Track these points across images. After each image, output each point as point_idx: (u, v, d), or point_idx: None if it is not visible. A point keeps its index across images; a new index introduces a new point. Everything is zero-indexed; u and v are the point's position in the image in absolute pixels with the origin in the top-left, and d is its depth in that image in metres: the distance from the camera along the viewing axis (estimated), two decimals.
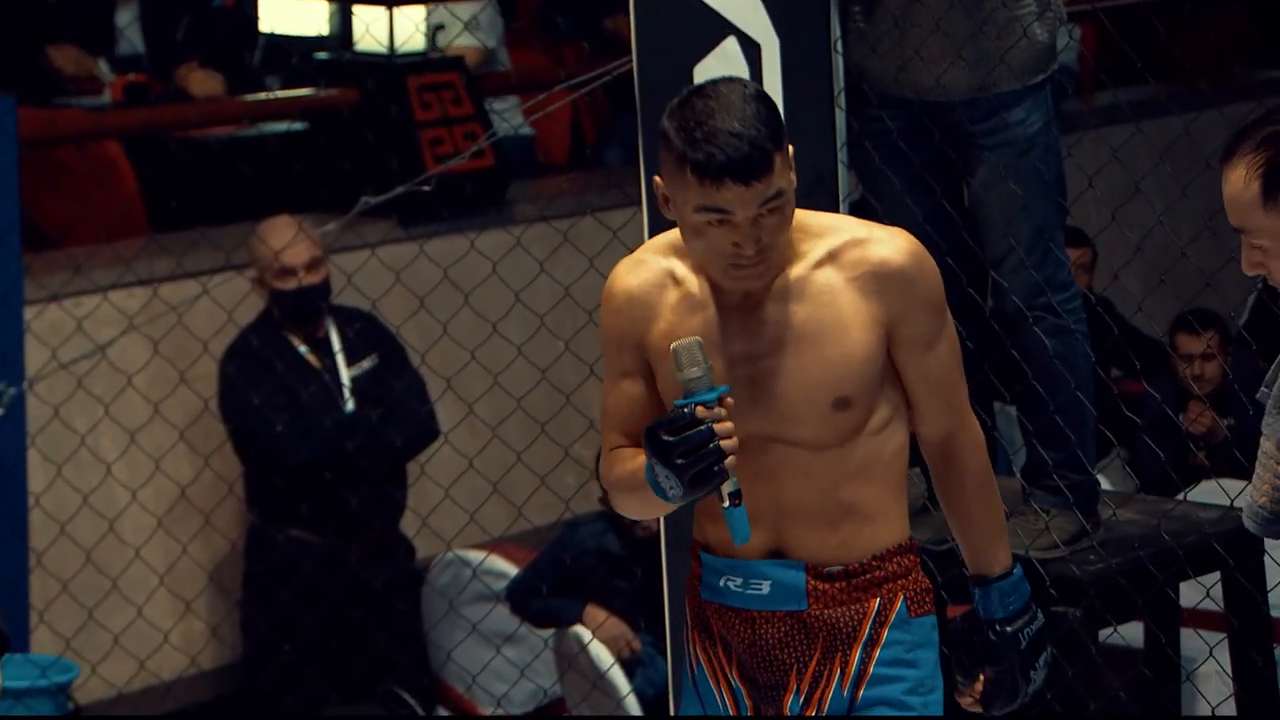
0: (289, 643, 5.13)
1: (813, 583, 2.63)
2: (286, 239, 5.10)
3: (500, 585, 5.21)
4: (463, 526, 5.07)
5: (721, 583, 2.67)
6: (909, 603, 2.66)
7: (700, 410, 2.50)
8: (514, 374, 5.21)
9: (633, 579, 5.00)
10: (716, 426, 2.49)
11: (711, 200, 2.51)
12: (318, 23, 6.64)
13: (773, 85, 3.53)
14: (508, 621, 5.15)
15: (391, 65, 6.29)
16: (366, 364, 5.23)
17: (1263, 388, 2.55)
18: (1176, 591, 3.68)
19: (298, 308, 5.16)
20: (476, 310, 5.10)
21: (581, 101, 6.86)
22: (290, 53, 6.48)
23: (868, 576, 2.64)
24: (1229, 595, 3.66)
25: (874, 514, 2.65)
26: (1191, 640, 3.89)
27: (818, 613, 2.64)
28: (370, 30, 6.21)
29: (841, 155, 3.53)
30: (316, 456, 5.08)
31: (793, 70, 3.52)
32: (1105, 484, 4.76)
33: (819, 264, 2.60)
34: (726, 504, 2.53)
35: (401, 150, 5.98)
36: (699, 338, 2.54)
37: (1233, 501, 3.68)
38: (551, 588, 5.07)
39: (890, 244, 2.61)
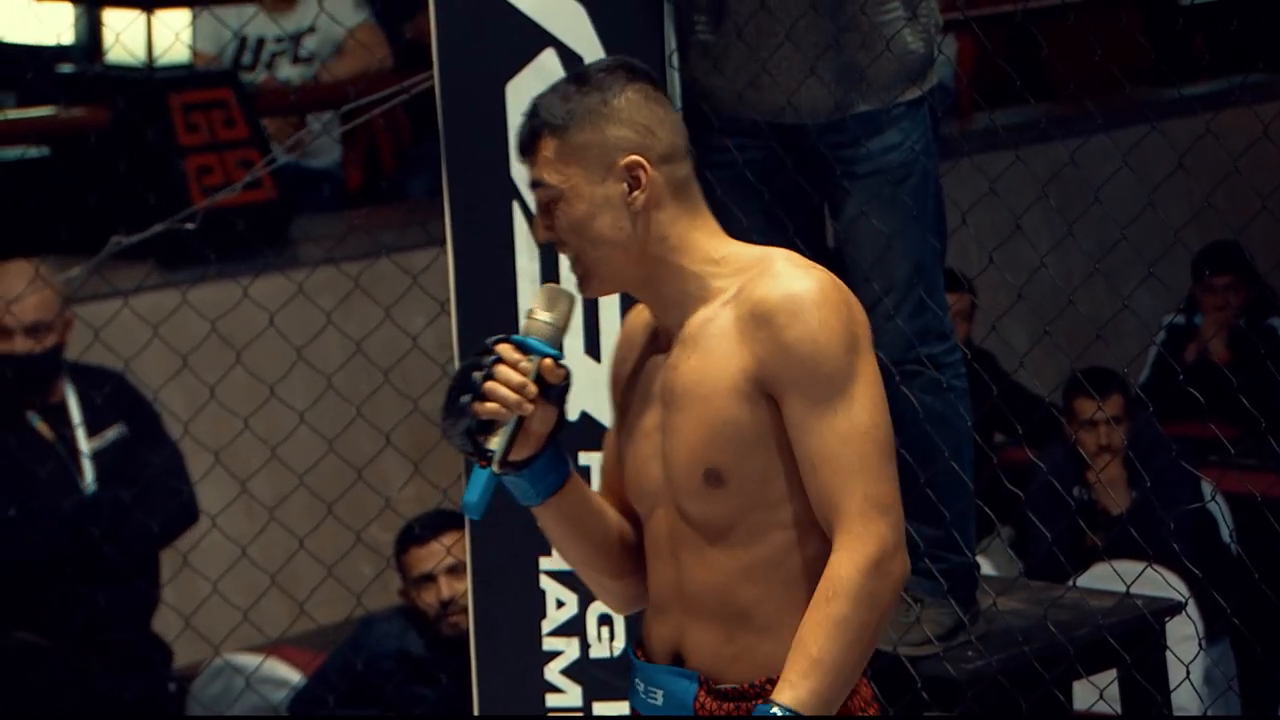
0: None
1: (704, 699, 2.63)
2: (16, 290, 4.97)
3: (280, 695, 5.14)
4: (235, 626, 5.00)
5: (635, 683, 2.71)
6: None
7: (504, 349, 2.59)
8: (296, 445, 5.16)
9: (437, 686, 4.96)
10: (503, 371, 2.56)
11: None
12: (60, 30, 6.57)
13: None
14: None
15: (149, 80, 6.24)
16: (111, 434, 5.12)
17: None
18: (1068, 692, 3.72)
19: (21, 377, 5.03)
20: (251, 370, 5.05)
21: (378, 123, 6.84)
22: (27, 65, 6.39)
23: (762, 700, 2.59)
24: (1126, 696, 3.70)
25: (774, 627, 2.61)
26: None
27: None
28: (123, 39, 6.15)
29: None
30: (47, 548, 4.96)
31: None
32: (986, 567, 4.82)
33: (726, 302, 2.62)
34: (475, 458, 2.58)
35: (161, 180, 5.91)
36: (569, 290, 2.63)
37: (1129, 588, 3.74)
38: (341, 697, 5.02)
39: (779, 282, 2.58)
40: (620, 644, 3.59)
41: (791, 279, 2.57)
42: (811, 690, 2.52)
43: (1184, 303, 7.02)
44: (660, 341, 2.67)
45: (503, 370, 2.56)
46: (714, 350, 2.59)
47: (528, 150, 2.64)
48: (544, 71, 3.55)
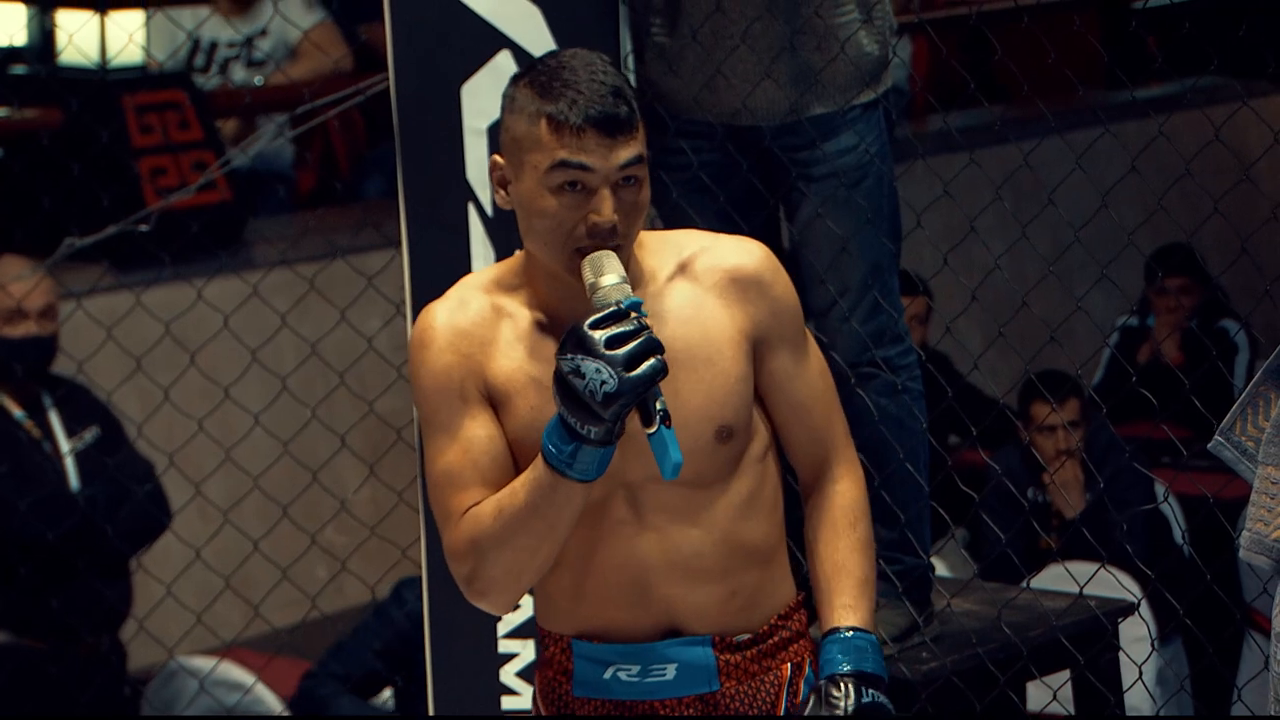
0: None
1: (723, 657, 2.67)
2: (15, 280, 5.00)
3: (234, 698, 5.13)
4: (189, 629, 4.99)
5: (608, 674, 2.68)
6: (812, 665, 2.72)
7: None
8: (251, 447, 5.14)
9: None
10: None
11: (573, 154, 2.57)
12: (11, 31, 6.54)
13: None
14: None
15: (102, 82, 6.21)
16: (89, 436, 5.14)
17: (1225, 428, 2.60)
18: (1021, 693, 3.73)
19: (24, 360, 5.05)
20: (205, 372, 5.04)
21: (333, 125, 6.83)
22: None
23: (775, 639, 2.70)
24: (1079, 697, 3.71)
25: (769, 559, 2.70)
26: None
27: (731, 690, 2.68)
28: (76, 40, 6.13)
29: None
30: (60, 539, 4.96)
31: None
32: (940, 569, 4.82)
33: (670, 278, 2.67)
34: (656, 426, 2.49)
35: (115, 182, 5.89)
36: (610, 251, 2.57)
37: (1082, 589, 3.75)
38: (377, 654, 5.00)
39: (741, 249, 2.70)
40: None
41: (744, 244, 2.71)
42: (867, 609, 2.68)
43: (1137, 304, 7.05)
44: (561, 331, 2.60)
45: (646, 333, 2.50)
46: (694, 318, 2.64)
47: (628, 128, 2.58)
48: (499, 73, 3.54)
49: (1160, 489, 5.58)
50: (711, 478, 2.65)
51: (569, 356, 2.47)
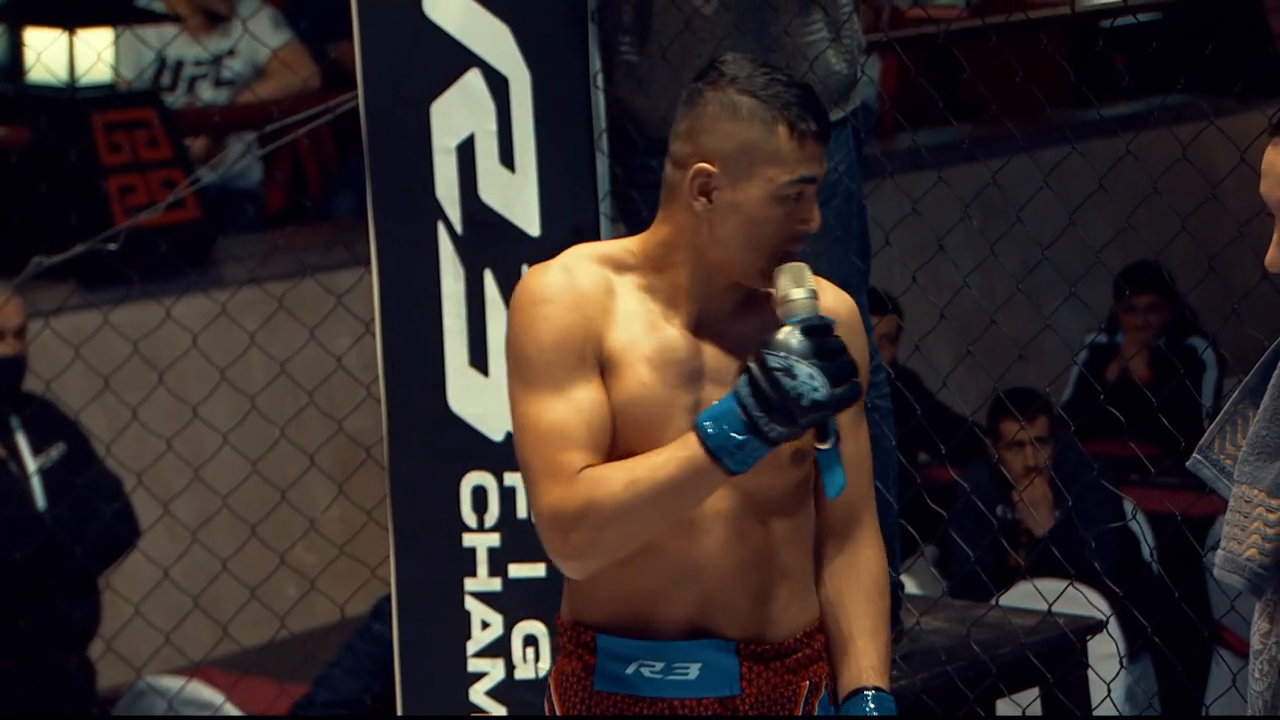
0: None
1: (746, 664, 2.70)
2: None
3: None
4: (158, 649, 4.97)
5: (630, 670, 2.70)
6: (828, 689, 2.76)
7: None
8: (220, 466, 5.13)
9: None
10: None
11: (809, 167, 2.62)
12: None
13: (523, 125, 3.54)
14: None
15: (71, 100, 6.20)
16: (54, 453, 5.12)
17: (1204, 445, 2.60)
18: (991, 711, 3.74)
19: (7, 379, 5.04)
20: (174, 391, 5.03)
21: (303, 143, 6.83)
22: None
23: (797, 656, 2.73)
24: (1048, 714, 3.72)
25: (803, 584, 2.73)
26: None
27: (751, 697, 2.69)
28: (44, 59, 6.12)
29: (604, 206, 3.55)
30: (27, 558, 4.94)
31: (546, 109, 3.53)
32: (910, 587, 4.83)
33: (761, 299, 2.68)
34: (830, 444, 2.57)
35: (84, 201, 5.88)
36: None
37: (1050, 606, 3.75)
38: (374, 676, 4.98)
39: (837, 296, 2.73)
40: (545, 665, 3.58)
41: (842, 295, 2.74)
42: (887, 676, 2.75)
43: (1105, 322, 7.07)
44: (689, 324, 2.66)
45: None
46: None
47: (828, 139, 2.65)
48: (468, 92, 3.54)
49: (1129, 506, 5.59)
50: (774, 495, 2.68)
51: (782, 355, 2.51)
